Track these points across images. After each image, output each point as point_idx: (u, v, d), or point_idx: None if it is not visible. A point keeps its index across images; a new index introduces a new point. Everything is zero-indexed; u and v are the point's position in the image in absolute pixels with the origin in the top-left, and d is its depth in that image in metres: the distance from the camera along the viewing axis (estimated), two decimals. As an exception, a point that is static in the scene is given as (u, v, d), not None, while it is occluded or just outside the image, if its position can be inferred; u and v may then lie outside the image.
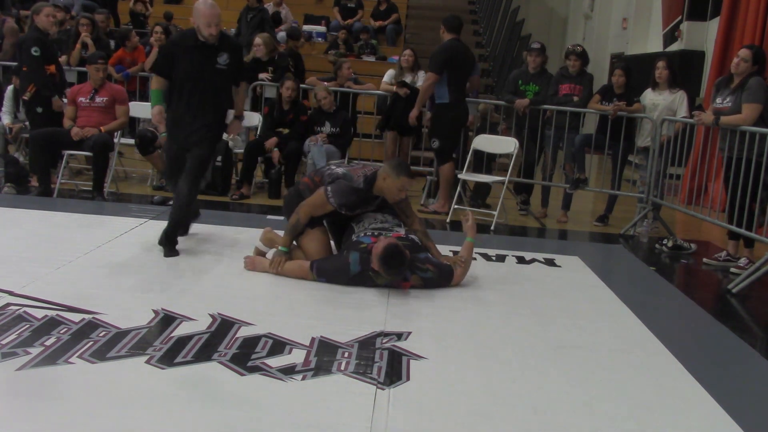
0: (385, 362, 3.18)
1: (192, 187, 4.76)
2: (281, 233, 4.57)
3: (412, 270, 4.23)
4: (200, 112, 4.70)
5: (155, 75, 4.85)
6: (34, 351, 3.03)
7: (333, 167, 4.54)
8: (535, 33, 12.92)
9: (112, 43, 8.56)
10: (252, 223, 5.93)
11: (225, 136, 7.28)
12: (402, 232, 4.38)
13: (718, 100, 5.76)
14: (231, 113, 5.05)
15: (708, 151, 6.46)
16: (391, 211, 4.54)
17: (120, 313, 3.52)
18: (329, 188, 4.32)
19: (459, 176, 7.00)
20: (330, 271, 4.29)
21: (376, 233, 4.34)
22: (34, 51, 6.54)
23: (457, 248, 4.78)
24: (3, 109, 7.33)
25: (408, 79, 7.64)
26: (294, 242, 4.51)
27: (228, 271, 4.46)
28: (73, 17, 9.48)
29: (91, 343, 3.16)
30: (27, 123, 7.01)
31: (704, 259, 5.89)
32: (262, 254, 4.70)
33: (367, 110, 8.45)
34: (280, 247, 4.43)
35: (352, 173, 4.37)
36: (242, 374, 2.97)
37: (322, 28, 12.33)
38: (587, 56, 7.23)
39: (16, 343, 3.09)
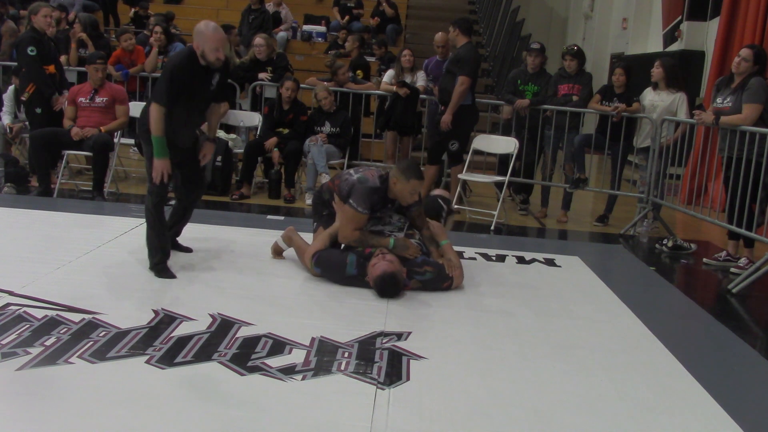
0: (385, 362, 3.18)
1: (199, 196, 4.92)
2: (302, 234, 4.72)
3: (411, 275, 4.23)
4: (190, 134, 4.57)
5: (162, 109, 4.18)
6: (34, 351, 3.03)
7: (349, 173, 4.46)
8: (535, 33, 12.91)
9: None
10: (252, 223, 5.94)
11: (223, 135, 7.36)
12: (400, 237, 4.38)
13: (719, 99, 5.77)
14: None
15: (708, 151, 6.46)
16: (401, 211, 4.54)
17: (120, 313, 3.52)
18: (351, 201, 4.27)
19: (459, 176, 7.00)
20: (328, 266, 4.31)
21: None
22: (30, 51, 6.53)
23: (457, 247, 4.79)
24: (3, 109, 7.33)
25: (407, 78, 7.64)
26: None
27: (228, 271, 4.46)
28: (68, 18, 9.49)
29: (91, 343, 3.16)
30: (27, 123, 7.01)
31: (704, 259, 5.89)
32: (281, 251, 4.77)
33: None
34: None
35: (367, 175, 4.36)
36: (242, 374, 2.97)
37: (322, 28, 12.32)
38: (584, 55, 7.23)
39: (16, 343, 3.09)
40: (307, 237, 4.69)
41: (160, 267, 4.31)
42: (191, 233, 5.24)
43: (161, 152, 4.25)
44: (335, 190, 4.48)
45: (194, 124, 4.61)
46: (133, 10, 12.03)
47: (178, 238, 4.84)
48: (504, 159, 7.32)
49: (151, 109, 4.21)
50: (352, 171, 4.50)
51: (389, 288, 4.09)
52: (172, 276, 4.28)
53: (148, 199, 4.37)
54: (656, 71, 6.70)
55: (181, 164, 4.51)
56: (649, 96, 6.83)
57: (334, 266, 4.29)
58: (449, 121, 6.85)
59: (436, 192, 5.69)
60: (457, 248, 5.09)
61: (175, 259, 4.58)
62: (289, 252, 4.76)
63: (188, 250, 4.81)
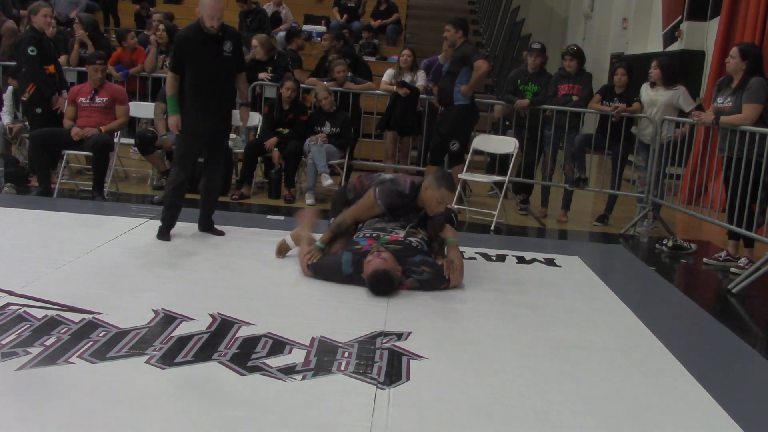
0: (385, 362, 3.18)
1: (221, 177, 5.50)
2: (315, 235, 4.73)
3: (407, 274, 4.22)
4: (221, 101, 5.11)
5: (172, 74, 4.99)
6: (34, 351, 3.03)
7: (383, 174, 4.71)
8: (535, 33, 12.91)
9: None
10: (252, 223, 5.94)
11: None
12: (400, 235, 4.37)
13: (719, 100, 5.77)
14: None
15: (708, 151, 6.46)
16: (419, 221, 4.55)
17: (120, 313, 3.52)
18: (377, 189, 4.43)
19: (459, 176, 6.99)
20: (324, 270, 4.32)
21: (374, 235, 4.36)
22: (31, 51, 6.53)
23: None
24: (3, 109, 7.33)
25: (407, 78, 7.64)
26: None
27: (228, 271, 4.46)
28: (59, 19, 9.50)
29: (91, 343, 3.16)
30: (27, 123, 7.01)
31: (704, 259, 5.89)
32: (286, 250, 4.80)
33: (367, 110, 8.45)
34: (318, 243, 4.49)
35: (400, 179, 4.50)
36: (242, 374, 2.97)
37: (322, 28, 12.32)
38: (583, 55, 7.23)
39: (16, 343, 3.09)
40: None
41: (160, 229, 5.08)
42: (192, 233, 5.26)
43: (173, 110, 5.00)
44: (365, 185, 4.63)
45: (221, 104, 5.09)
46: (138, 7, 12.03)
47: (211, 223, 5.37)
48: (501, 158, 7.34)
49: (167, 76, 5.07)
50: (387, 174, 4.69)
51: (381, 285, 4.08)
52: (167, 239, 5.04)
53: (169, 181, 5.21)
54: (654, 72, 6.70)
55: (207, 146, 5.18)
56: (645, 92, 6.83)
57: (331, 269, 4.31)
58: (469, 92, 6.81)
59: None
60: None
61: (176, 260, 4.60)
62: (290, 251, 4.76)
63: (220, 233, 5.33)
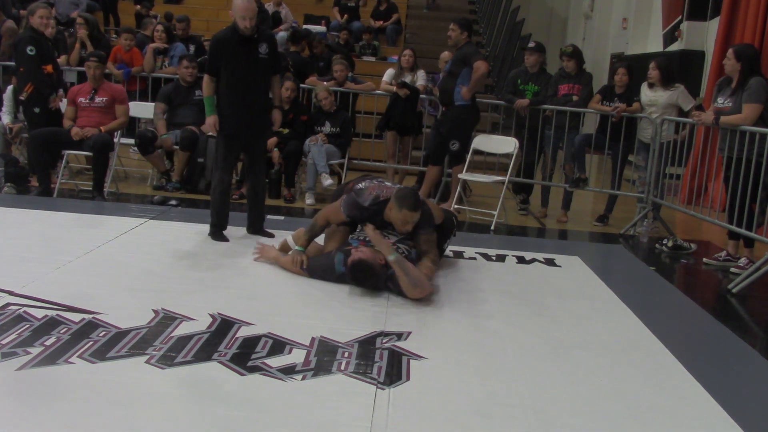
0: (385, 362, 3.18)
1: (265, 178, 5.60)
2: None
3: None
4: (257, 103, 5.12)
5: (207, 76, 5.04)
6: (34, 351, 3.03)
7: (361, 180, 4.63)
8: (535, 33, 12.90)
9: None
10: (252, 223, 5.93)
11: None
12: (392, 240, 4.35)
13: (720, 100, 5.77)
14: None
15: (708, 151, 6.46)
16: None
17: (120, 313, 3.52)
18: (344, 198, 4.44)
19: (459, 176, 7.00)
20: (318, 270, 4.34)
21: (368, 238, 4.35)
22: (30, 50, 6.53)
23: (457, 247, 4.78)
24: (3, 109, 7.33)
25: (407, 79, 7.64)
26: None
27: (228, 271, 4.46)
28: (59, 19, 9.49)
29: (91, 343, 3.16)
30: (26, 123, 7.01)
31: (704, 259, 5.89)
32: (287, 249, 4.74)
33: (367, 110, 8.46)
34: (297, 247, 4.50)
35: (367, 190, 4.40)
36: (242, 374, 2.97)
37: (322, 28, 12.33)
38: (581, 54, 7.23)
39: (16, 343, 3.09)
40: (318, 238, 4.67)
41: (213, 230, 5.14)
42: (191, 233, 5.26)
43: (210, 110, 5.05)
44: (350, 188, 4.63)
45: (256, 105, 5.11)
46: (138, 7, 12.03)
47: (262, 223, 5.41)
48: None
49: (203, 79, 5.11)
50: (366, 181, 4.59)
51: (360, 273, 4.06)
52: (224, 240, 5.11)
53: (214, 186, 5.17)
54: (653, 73, 6.70)
55: (247, 149, 5.24)
56: (645, 92, 6.84)
57: (325, 270, 4.32)
58: (469, 95, 6.79)
59: (451, 208, 5.72)
60: (457, 248, 5.12)
61: (176, 260, 4.60)
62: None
63: (270, 235, 5.30)
